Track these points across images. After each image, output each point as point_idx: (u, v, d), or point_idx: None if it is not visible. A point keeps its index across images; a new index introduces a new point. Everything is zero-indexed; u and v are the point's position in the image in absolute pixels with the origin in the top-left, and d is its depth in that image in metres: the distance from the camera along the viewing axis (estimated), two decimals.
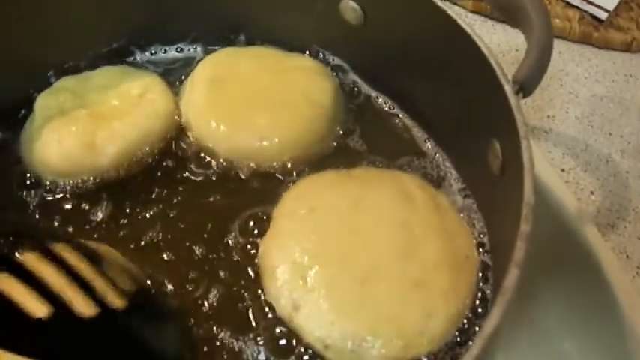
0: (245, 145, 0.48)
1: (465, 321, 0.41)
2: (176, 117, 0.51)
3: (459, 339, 0.40)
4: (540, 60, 0.43)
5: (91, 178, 0.48)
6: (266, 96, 0.50)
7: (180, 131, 0.51)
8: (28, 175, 0.48)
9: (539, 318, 0.48)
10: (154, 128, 0.49)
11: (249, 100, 0.50)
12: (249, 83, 0.51)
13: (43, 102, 0.50)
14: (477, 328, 0.41)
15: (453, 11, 0.43)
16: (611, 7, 0.68)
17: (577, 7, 0.68)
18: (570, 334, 0.49)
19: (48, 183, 0.48)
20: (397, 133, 0.52)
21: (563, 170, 0.56)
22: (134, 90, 0.51)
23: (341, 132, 0.51)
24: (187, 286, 0.43)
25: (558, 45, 0.67)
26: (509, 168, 0.39)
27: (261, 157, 0.48)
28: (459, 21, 0.42)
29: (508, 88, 0.38)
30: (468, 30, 0.42)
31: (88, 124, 0.48)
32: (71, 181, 0.47)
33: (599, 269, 0.50)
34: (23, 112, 0.51)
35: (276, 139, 0.48)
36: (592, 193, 0.55)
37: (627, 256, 0.52)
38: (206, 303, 0.42)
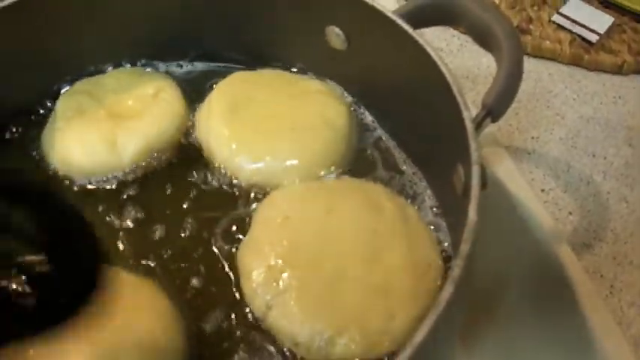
0: (268, 169, 0.50)
1: None
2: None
3: None
4: (508, 87, 0.46)
5: (109, 176, 0.51)
6: (285, 120, 0.52)
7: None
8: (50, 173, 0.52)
9: (512, 335, 0.50)
10: (170, 126, 0.53)
11: (268, 124, 0.52)
12: (267, 108, 0.53)
13: (62, 105, 0.54)
14: None
15: (424, 40, 0.45)
16: (602, 30, 0.69)
17: (569, 30, 0.70)
18: (542, 351, 0.51)
19: (68, 181, 0.51)
20: (380, 152, 0.54)
21: (543, 190, 0.58)
22: (149, 90, 0.54)
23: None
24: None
25: (548, 67, 0.69)
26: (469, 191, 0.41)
27: (283, 178, 0.50)
28: (428, 49, 0.44)
29: (466, 115, 0.40)
30: (436, 58, 0.44)
31: (108, 123, 0.51)
32: (91, 179, 0.51)
33: (571, 288, 0.52)
34: (41, 111, 0.55)
35: (297, 161, 0.50)
36: (570, 213, 0.57)
37: (601, 275, 0.53)
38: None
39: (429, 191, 0.51)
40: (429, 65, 0.44)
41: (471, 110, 0.42)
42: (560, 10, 0.71)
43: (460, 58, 0.69)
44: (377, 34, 0.49)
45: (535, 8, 0.72)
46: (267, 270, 0.44)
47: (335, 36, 0.53)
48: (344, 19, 0.52)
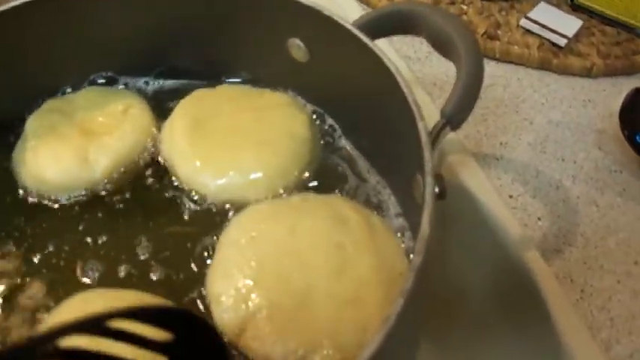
0: (233, 183, 0.51)
1: None
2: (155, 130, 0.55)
3: None
4: (467, 95, 0.46)
5: (83, 192, 0.51)
6: (248, 134, 0.52)
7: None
8: (21, 191, 0.52)
9: (483, 341, 0.50)
10: (140, 141, 0.54)
11: (231, 139, 0.52)
12: (229, 123, 0.53)
13: (34, 123, 0.54)
14: None
15: (381, 51, 0.45)
16: (570, 34, 0.70)
17: (537, 34, 0.70)
18: (512, 357, 0.51)
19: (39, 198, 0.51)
20: (344, 162, 0.54)
21: (511, 196, 0.58)
22: (118, 107, 0.55)
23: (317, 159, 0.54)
24: None
25: (517, 72, 0.69)
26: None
27: (249, 192, 0.51)
28: (385, 60, 0.44)
29: (421, 126, 0.40)
30: (392, 68, 0.44)
31: (81, 140, 0.52)
32: (65, 195, 0.51)
33: (541, 294, 0.51)
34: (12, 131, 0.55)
35: (261, 174, 0.50)
36: (539, 218, 0.56)
37: (572, 280, 0.53)
38: None
39: (392, 198, 0.51)
40: (386, 76, 0.44)
41: (431, 120, 0.42)
42: (529, 15, 0.71)
43: (428, 65, 0.69)
44: (337, 45, 0.49)
45: (503, 13, 0.73)
46: (236, 293, 0.44)
47: (297, 48, 0.53)
48: (305, 32, 0.52)
